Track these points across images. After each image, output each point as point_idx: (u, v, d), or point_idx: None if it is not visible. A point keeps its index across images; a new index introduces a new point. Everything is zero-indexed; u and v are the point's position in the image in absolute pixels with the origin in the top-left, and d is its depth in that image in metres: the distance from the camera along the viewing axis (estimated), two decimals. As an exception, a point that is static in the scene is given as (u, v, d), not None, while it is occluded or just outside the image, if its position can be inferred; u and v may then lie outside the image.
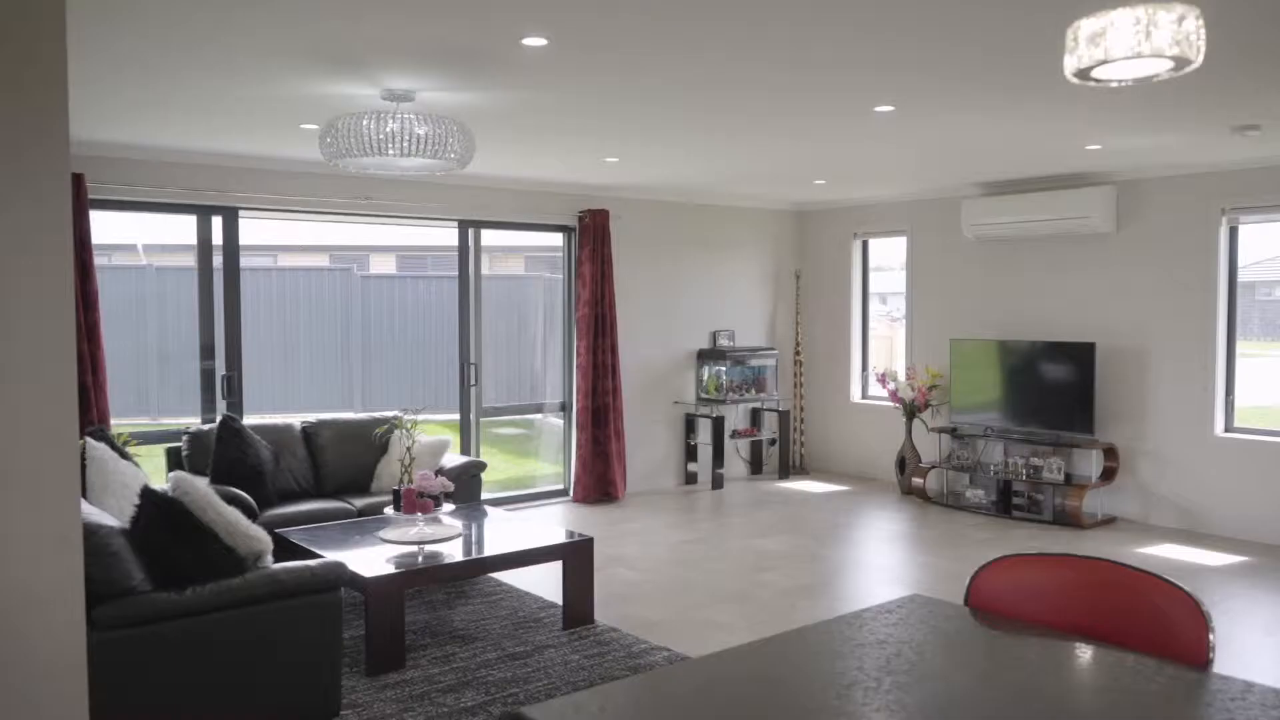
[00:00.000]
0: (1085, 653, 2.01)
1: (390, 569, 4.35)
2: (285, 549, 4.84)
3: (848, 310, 9.29)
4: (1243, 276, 6.93)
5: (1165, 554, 6.36)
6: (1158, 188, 7.08)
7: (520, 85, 4.46)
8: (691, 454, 8.88)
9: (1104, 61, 1.75)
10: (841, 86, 4.47)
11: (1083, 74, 1.88)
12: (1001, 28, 3.53)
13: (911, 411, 8.32)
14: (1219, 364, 6.86)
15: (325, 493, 6.15)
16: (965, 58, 3.96)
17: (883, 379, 8.57)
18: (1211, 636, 1.96)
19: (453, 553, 4.67)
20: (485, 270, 7.94)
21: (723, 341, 9.06)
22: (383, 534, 4.81)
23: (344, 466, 6.23)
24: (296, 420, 6.35)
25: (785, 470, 9.13)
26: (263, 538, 3.63)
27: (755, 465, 9.41)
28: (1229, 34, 3.61)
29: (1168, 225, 7.04)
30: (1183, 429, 7.02)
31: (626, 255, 8.40)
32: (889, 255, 9.25)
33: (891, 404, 8.62)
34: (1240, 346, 6.92)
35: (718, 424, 8.55)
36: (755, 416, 9.33)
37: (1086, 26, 1.76)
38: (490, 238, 7.98)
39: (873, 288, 9.41)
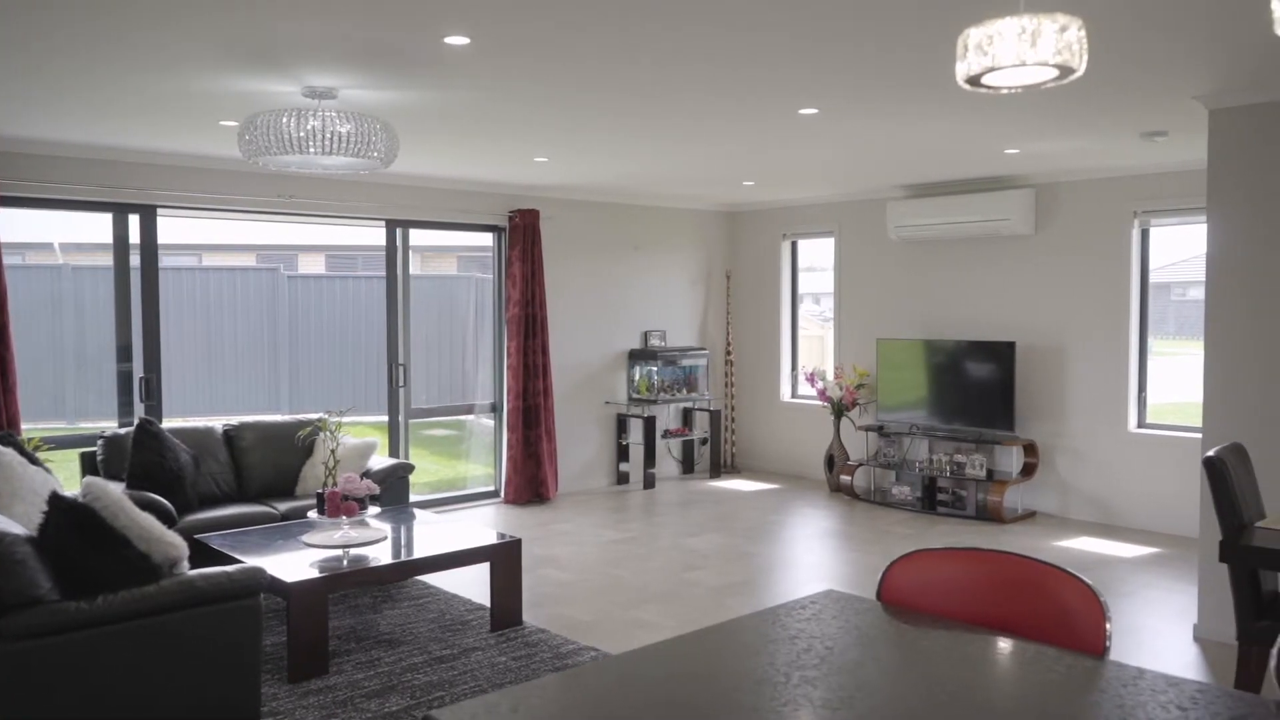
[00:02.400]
0: (990, 644, 2.07)
1: (314, 573, 4.29)
2: (206, 555, 4.74)
3: (777, 310, 9.40)
4: (1158, 278, 7.17)
5: (1081, 546, 6.55)
6: (1073, 191, 7.29)
7: (444, 84, 4.43)
8: (623, 454, 8.90)
9: (992, 69, 1.81)
10: (765, 89, 4.52)
11: (973, 81, 1.93)
12: (917, 33, 3.60)
13: (839, 410, 8.44)
14: (1132, 362, 7.09)
15: (248, 497, 6.03)
16: (885, 62, 4.03)
17: (811, 378, 8.68)
18: (1109, 626, 2.03)
19: (378, 556, 4.62)
20: (416, 270, 7.87)
21: (654, 342, 9.09)
22: (306, 538, 4.73)
23: (267, 470, 6.12)
24: (218, 423, 6.21)
25: (716, 469, 9.20)
26: (178, 543, 3.54)
27: (687, 464, 9.46)
28: (1126, 42, 3.73)
29: (1083, 227, 7.25)
30: (1099, 425, 7.24)
31: (557, 255, 8.39)
32: (822, 256, 9.36)
33: (820, 403, 8.74)
34: (1157, 345, 7.16)
35: (649, 424, 8.59)
36: (686, 416, 9.38)
37: (974, 35, 1.81)
38: (420, 237, 7.90)
39: (806, 288, 9.52)
